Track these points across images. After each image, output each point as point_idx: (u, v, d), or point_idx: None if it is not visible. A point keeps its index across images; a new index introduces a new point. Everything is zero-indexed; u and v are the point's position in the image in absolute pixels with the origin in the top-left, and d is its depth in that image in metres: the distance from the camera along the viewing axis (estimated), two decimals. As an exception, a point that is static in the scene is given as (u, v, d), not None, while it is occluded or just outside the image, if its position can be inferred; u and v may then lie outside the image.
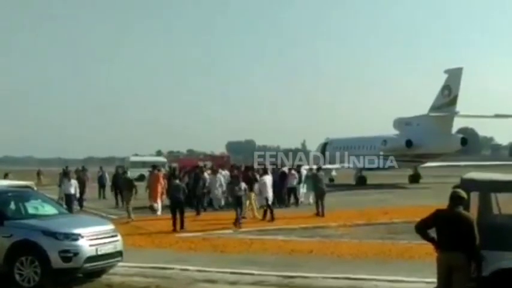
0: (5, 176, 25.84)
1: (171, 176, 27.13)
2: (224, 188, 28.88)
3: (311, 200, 29.78)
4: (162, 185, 27.41)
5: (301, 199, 31.48)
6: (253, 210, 25.45)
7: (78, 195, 26.91)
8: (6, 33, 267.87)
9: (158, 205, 26.93)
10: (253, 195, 25.82)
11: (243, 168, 31.86)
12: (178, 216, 21.57)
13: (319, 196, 25.91)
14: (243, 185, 23.68)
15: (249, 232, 20.53)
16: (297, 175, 31.05)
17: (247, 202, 25.34)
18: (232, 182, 25.58)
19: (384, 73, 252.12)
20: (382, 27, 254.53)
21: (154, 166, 30.41)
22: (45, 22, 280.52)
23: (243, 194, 23.49)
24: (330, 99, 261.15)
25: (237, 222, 21.68)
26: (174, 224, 21.39)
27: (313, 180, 27.77)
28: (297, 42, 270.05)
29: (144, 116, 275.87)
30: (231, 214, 23.18)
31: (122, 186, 28.28)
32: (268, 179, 25.90)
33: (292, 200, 30.99)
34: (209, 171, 30.57)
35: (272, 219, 23.72)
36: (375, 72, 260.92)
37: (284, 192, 30.31)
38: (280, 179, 29.92)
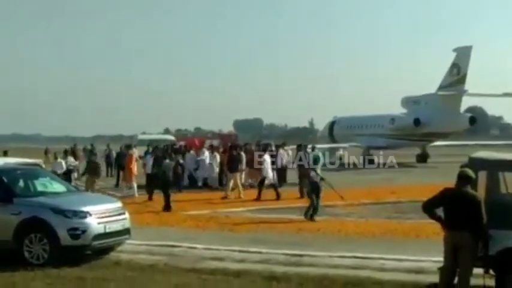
0: (4, 154, 25.98)
1: (164, 154, 26.57)
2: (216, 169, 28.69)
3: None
4: (134, 165, 26.66)
5: None
6: (239, 190, 25.09)
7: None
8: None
9: (134, 186, 26.02)
10: (238, 174, 25.66)
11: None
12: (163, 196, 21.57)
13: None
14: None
15: (256, 211, 20.57)
16: (286, 155, 30.01)
17: (232, 181, 25.26)
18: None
19: (393, 51, 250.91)
20: (393, 4, 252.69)
21: (128, 146, 30.01)
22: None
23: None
24: (338, 77, 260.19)
25: (309, 213, 18.44)
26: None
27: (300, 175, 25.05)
28: (304, 19, 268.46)
29: (153, 93, 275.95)
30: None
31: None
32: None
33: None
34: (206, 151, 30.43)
35: (278, 197, 23.70)
36: (384, 50, 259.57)
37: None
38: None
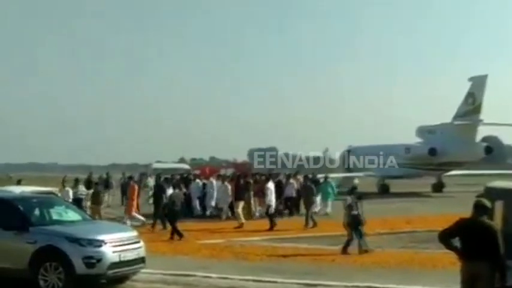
0: (18, 183, 26.17)
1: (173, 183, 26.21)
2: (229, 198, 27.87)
3: (329, 209, 29.71)
4: (135, 197, 26.19)
5: (316, 209, 29.95)
6: (240, 219, 24.86)
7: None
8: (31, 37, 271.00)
9: (137, 216, 25.46)
10: (241, 204, 25.54)
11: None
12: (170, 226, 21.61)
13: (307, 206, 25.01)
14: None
15: (271, 240, 20.51)
16: (295, 184, 29.76)
17: (240, 210, 25.24)
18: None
19: (410, 82, 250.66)
20: (413, 33, 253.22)
21: (130, 177, 29.89)
22: (73, 20, 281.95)
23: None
24: (352, 105, 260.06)
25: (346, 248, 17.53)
26: (172, 233, 21.32)
27: (305, 191, 26.37)
28: (316, 49, 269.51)
29: (168, 122, 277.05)
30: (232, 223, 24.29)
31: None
32: (271, 186, 25.95)
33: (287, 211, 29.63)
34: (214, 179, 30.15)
35: (271, 227, 23.49)
36: (398, 78, 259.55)
37: (279, 202, 28.55)
38: (276, 188, 27.85)
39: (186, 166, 62.32)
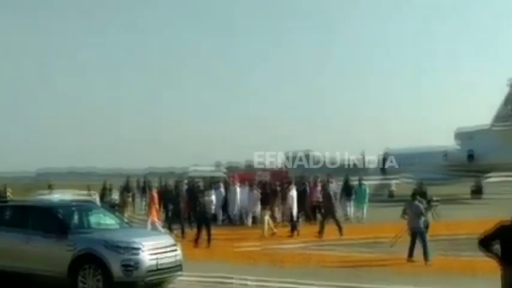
0: (49, 187, 26.50)
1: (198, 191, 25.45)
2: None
3: (363, 215, 29.72)
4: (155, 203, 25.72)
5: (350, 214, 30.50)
6: (263, 228, 24.16)
7: None
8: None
9: (157, 223, 24.85)
10: (267, 212, 24.91)
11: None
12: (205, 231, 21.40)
13: (326, 214, 24.19)
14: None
15: (307, 246, 20.45)
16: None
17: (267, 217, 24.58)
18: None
19: (445, 82, 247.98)
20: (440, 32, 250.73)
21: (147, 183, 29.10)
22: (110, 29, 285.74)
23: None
24: (387, 110, 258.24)
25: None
26: (197, 238, 21.24)
27: (325, 200, 25.16)
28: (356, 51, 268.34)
29: (204, 127, 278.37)
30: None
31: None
32: (293, 193, 25.73)
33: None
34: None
35: (292, 233, 23.48)
36: (436, 82, 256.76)
37: (307, 207, 28.35)
38: (302, 195, 27.41)
39: (223, 171, 62.32)
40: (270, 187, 27.39)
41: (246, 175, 32.96)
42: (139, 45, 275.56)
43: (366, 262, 16.57)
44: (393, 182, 50.46)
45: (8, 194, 28.16)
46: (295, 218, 24.93)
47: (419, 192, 18.19)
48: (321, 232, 22.96)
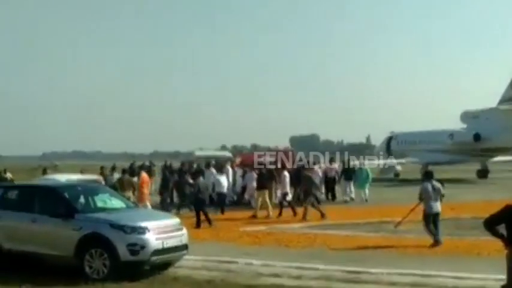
0: (44, 172, 26.53)
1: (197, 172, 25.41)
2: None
3: (366, 196, 29.87)
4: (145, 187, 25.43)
5: (347, 197, 30.49)
6: (268, 209, 24.08)
7: None
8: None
9: (147, 205, 24.34)
10: (266, 193, 24.54)
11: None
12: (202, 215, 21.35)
13: (305, 197, 23.23)
14: None
15: (312, 227, 20.48)
16: (320, 172, 29.12)
17: (259, 200, 24.38)
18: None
19: (451, 64, 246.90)
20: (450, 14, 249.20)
21: (142, 166, 28.95)
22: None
23: None
24: (394, 91, 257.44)
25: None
26: (198, 222, 21.11)
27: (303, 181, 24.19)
28: (357, 36, 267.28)
29: (209, 109, 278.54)
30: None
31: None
32: (286, 174, 25.60)
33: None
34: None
35: (294, 214, 23.24)
36: (441, 63, 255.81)
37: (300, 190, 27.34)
38: (296, 176, 26.41)
39: (228, 153, 62.34)
40: (267, 169, 26.85)
41: (250, 157, 32.67)
42: (151, 21, 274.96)
43: (371, 244, 16.58)
44: (398, 163, 50.41)
45: (7, 176, 28.24)
46: (286, 200, 24.67)
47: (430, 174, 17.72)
48: (304, 216, 22.44)
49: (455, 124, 51.26)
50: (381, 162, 47.69)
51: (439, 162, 48.14)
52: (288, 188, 25.32)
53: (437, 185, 16.90)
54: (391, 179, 47.69)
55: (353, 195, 30.62)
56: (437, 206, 16.61)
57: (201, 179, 23.07)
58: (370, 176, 31.45)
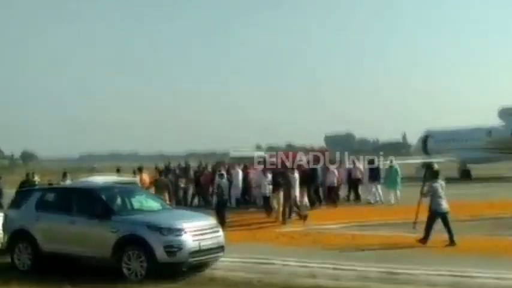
0: (64, 175, 26.50)
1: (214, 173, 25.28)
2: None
3: (394, 200, 27.76)
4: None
5: (372, 199, 28.73)
6: (279, 212, 22.70)
7: None
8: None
9: None
10: (280, 195, 22.69)
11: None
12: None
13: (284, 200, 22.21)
14: None
15: (349, 227, 20.35)
16: (336, 172, 28.08)
17: (275, 202, 23.15)
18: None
19: (488, 59, 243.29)
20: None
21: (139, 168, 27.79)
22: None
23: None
24: (430, 89, 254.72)
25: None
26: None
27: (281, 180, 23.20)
28: (392, 32, 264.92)
29: (244, 110, 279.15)
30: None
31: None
32: (296, 175, 24.60)
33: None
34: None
35: (301, 218, 22.06)
36: (478, 60, 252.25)
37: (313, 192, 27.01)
38: (309, 178, 26.09)
39: (263, 153, 62.22)
40: (279, 171, 25.16)
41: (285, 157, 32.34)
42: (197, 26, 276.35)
43: (408, 244, 16.39)
44: (435, 161, 49.83)
45: (35, 180, 28.49)
46: (297, 203, 23.53)
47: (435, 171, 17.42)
48: (283, 219, 21.71)
49: (493, 120, 50.48)
50: (418, 160, 47.17)
51: (477, 160, 47.48)
52: (296, 191, 23.99)
53: (444, 184, 16.89)
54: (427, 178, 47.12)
55: (379, 198, 28.64)
56: (446, 205, 16.54)
57: (223, 179, 22.99)
58: (399, 175, 28.98)
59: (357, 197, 29.48)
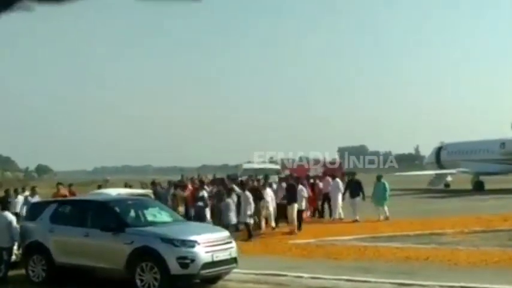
0: (69, 186, 26.46)
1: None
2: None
3: (382, 216, 25.81)
4: None
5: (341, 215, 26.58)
6: (271, 222, 22.78)
7: None
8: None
9: None
10: (294, 207, 22.39)
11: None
12: None
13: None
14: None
15: (362, 239, 20.30)
16: (330, 181, 27.30)
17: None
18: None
19: (502, 70, 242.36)
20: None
21: (153, 183, 27.65)
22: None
23: None
24: (442, 102, 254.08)
25: None
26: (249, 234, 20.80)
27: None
28: (407, 46, 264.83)
29: (256, 122, 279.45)
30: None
31: None
32: (303, 188, 23.92)
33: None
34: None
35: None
36: (487, 75, 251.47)
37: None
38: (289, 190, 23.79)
39: (276, 166, 62.18)
40: (289, 183, 24.46)
41: (298, 170, 32.59)
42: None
43: (422, 256, 16.33)
44: (449, 173, 49.64)
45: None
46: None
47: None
48: (249, 235, 21.07)
49: (507, 133, 50.25)
50: (431, 172, 47.05)
51: (490, 172, 47.24)
52: (303, 204, 23.41)
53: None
54: (441, 190, 47.03)
55: (357, 217, 25.66)
56: None
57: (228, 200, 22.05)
58: (388, 190, 26.91)
59: (320, 213, 27.71)
